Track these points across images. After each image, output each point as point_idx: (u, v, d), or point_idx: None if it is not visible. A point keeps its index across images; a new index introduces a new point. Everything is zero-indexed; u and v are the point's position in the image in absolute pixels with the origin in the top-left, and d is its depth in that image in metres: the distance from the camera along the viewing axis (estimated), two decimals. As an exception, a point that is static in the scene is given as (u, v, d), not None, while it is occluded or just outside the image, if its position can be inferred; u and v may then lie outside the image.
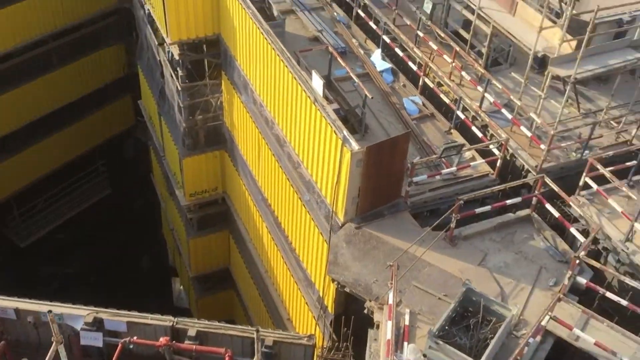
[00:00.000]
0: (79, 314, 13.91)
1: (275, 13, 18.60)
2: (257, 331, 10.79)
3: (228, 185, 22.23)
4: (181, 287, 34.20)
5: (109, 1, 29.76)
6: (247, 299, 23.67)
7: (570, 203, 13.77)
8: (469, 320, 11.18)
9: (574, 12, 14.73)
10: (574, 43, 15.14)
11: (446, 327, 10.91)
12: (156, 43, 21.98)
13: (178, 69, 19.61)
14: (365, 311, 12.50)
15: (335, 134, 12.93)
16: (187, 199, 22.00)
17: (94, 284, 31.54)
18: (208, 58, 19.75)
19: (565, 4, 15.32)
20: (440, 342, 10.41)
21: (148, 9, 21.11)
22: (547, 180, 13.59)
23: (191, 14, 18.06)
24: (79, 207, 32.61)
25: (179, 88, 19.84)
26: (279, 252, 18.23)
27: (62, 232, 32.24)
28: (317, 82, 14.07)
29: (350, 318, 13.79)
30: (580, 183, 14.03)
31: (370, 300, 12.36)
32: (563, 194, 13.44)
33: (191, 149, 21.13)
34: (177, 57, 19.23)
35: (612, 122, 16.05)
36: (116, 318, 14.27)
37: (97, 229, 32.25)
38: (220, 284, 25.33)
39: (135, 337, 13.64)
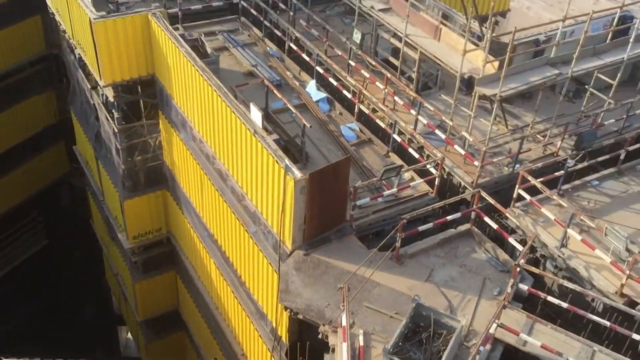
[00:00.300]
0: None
1: (209, 50, 18.83)
2: (215, 362, 10.69)
3: (172, 224, 21.98)
4: (128, 335, 33.24)
5: (36, 48, 29.27)
6: (199, 339, 23.25)
7: (507, 215, 14.37)
8: (421, 335, 11.46)
9: (494, 35, 15.61)
10: (496, 63, 15.99)
11: (400, 344, 11.14)
12: (89, 87, 21.74)
13: (113, 111, 19.44)
14: (320, 336, 12.58)
15: (278, 163, 13.14)
16: (131, 241, 21.60)
17: (37, 338, 30.25)
18: (143, 99, 19.66)
19: (486, 27, 16.21)
20: (395, 359, 10.61)
21: (79, 54, 20.93)
22: (483, 194, 14.17)
23: (124, 56, 18.02)
24: (16, 260, 31.38)
25: (116, 130, 19.65)
26: (228, 287, 18.11)
27: (1, 288, 30.88)
28: (256, 114, 14.31)
29: (305, 346, 13.82)
30: (514, 195, 14.70)
31: (323, 325, 12.46)
32: (499, 207, 14.03)
33: (132, 191, 20.84)
34: (111, 100, 19.09)
35: (538, 136, 16.93)
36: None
37: (37, 282, 31.07)
38: (170, 327, 24.78)
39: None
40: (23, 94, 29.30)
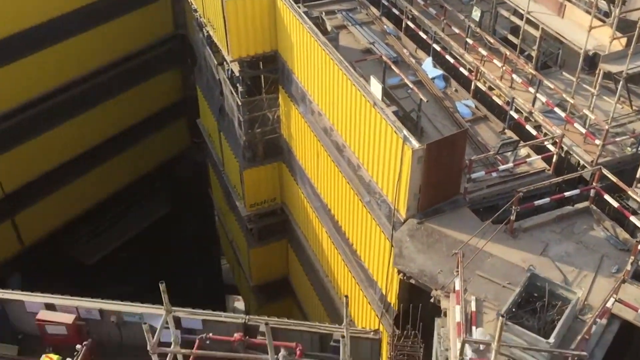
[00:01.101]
0: (157, 313, 14.80)
1: (329, 28, 19.52)
2: (346, 297, 11.37)
3: (286, 195, 23.06)
4: (234, 304, 34.92)
5: (165, 29, 31.29)
6: (306, 306, 24.28)
7: (630, 193, 14.00)
8: (535, 304, 11.55)
9: (622, 11, 15.13)
10: (624, 40, 15.49)
11: (513, 310, 11.32)
12: (215, 63, 23.16)
13: (238, 85, 20.69)
14: (432, 300, 12.97)
15: (396, 133, 13.60)
16: (248, 209, 22.92)
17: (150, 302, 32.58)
18: (265, 74, 20.75)
19: (614, 4, 15.73)
20: (509, 323, 10.81)
21: (207, 32, 22.35)
22: (605, 172, 13.87)
23: (250, 33, 19.15)
24: (140, 226, 33.87)
25: (239, 103, 20.89)
26: (339, 256, 18.86)
27: (125, 251, 33.51)
28: (376, 87, 14.82)
29: (413, 314, 14.20)
30: (638, 175, 14.28)
31: (436, 290, 12.85)
32: (622, 185, 13.70)
33: (251, 162, 22.11)
34: (237, 74, 20.29)
35: (665, 117, 16.27)
36: (192, 316, 15.17)
37: (156, 248, 33.43)
38: (280, 293, 26.02)
39: (210, 334, 14.47)
40: (152, 72, 31.46)
